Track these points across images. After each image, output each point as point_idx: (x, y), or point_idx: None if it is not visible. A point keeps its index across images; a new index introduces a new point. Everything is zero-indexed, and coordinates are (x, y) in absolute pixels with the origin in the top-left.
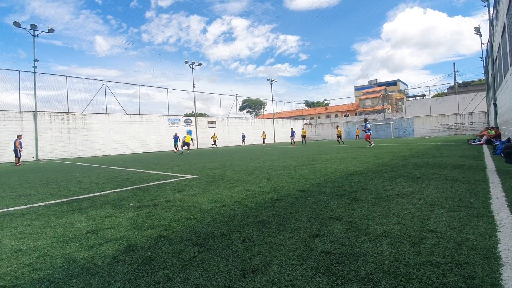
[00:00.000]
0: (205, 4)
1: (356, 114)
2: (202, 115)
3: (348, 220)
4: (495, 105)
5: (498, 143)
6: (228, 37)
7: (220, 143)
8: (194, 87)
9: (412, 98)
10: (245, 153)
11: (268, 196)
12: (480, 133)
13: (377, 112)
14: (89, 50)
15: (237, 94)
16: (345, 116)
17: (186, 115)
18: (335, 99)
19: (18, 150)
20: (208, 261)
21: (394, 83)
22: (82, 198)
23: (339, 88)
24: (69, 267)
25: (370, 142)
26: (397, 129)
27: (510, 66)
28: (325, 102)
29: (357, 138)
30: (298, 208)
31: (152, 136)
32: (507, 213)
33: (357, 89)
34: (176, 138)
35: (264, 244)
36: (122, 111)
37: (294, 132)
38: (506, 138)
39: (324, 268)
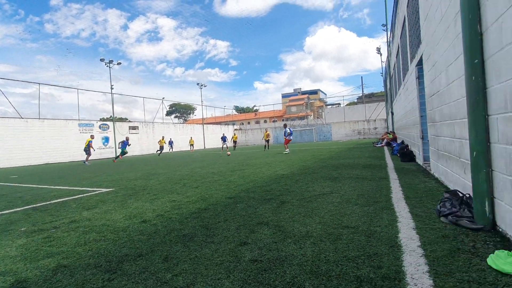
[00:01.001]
0: None
1: (283, 120)
2: (122, 119)
3: (275, 224)
4: (392, 113)
5: (395, 145)
6: (154, 36)
7: (144, 150)
8: (112, 88)
9: (330, 106)
10: (172, 160)
11: (195, 206)
12: (382, 137)
13: (301, 118)
14: None
15: (163, 98)
16: (273, 121)
17: (102, 119)
18: (264, 105)
19: None
20: None
21: (315, 92)
22: None
23: (268, 94)
24: None
25: (286, 148)
26: (318, 133)
27: (403, 81)
28: (255, 108)
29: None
30: (226, 216)
31: (56, 145)
32: (404, 205)
33: (284, 96)
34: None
35: (189, 260)
36: (16, 115)
37: (225, 137)
38: (400, 141)
39: (251, 278)
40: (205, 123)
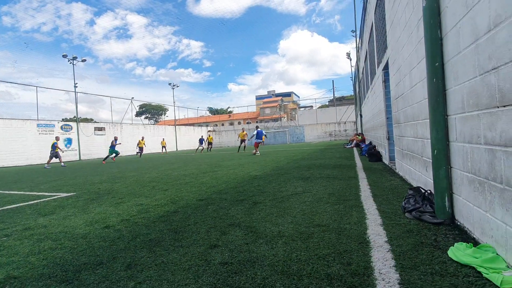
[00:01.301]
0: None
1: (257, 122)
2: (87, 120)
3: (247, 225)
4: (361, 116)
5: (364, 146)
6: (123, 33)
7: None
8: (75, 86)
9: (303, 108)
10: (141, 163)
11: (164, 209)
12: (351, 138)
13: (275, 120)
14: None
15: (132, 98)
16: (247, 123)
17: (65, 120)
18: (238, 107)
19: None
20: None
21: (288, 94)
22: None
23: (242, 96)
24: None
25: (256, 150)
26: (292, 135)
27: (370, 84)
28: (229, 109)
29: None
30: (197, 219)
31: (12, 146)
32: (372, 203)
33: (258, 98)
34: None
35: (154, 266)
36: None
37: (203, 139)
38: (368, 142)
39: (221, 281)
40: (177, 125)
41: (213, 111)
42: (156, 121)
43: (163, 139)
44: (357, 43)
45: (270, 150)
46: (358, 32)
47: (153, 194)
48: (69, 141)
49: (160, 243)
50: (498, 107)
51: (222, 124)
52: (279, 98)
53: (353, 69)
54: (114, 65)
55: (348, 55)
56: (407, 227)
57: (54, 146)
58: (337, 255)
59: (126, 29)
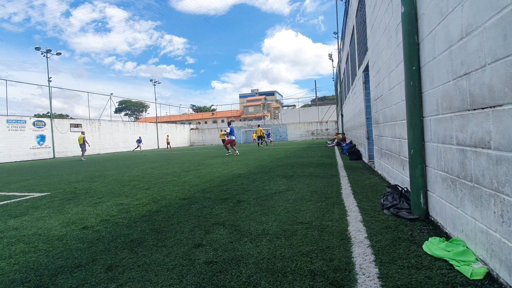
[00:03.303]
0: None
1: (240, 120)
2: (62, 116)
3: (232, 223)
4: (342, 116)
5: (344, 145)
6: (101, 26)
7: (89, 150)
8: (49, 81)
9: (286, 107)
10: (122, 161)
11: (146, 208)
12: (333, 137)
13: (258, 118)
14: None
15: (111, 94)
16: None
17: (37, 116)
18: (221, 105)
19: None
20: None
21: (272, 93)
22: None
23: (226, 94)
24: None
25: (228, 149)
26: (275, 134)
27: (351, 85)
28: (212, 107)
29: (254, 142)
30: (180, 218)
31: None
32: (352, 200)
33: (241, 96)
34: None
35: (136, 267)
36: None
37: (140, 140)
38: (349, 141)
39: (206, 280)
40: (159, 122)
41: (196, 109)
42: (137, 118)
43: (168, 136)
44: (339, 45)
45: (253, 148)
46: (340, 34)
47: (134, 193)
48: (42, 138)
49: (142, 244)
50: (469, 110)
51: (205, 122)
52: (263, 97)
53: (335, 70)
54: (92, 59)
55: (330, 56)
56: (386, 223)
57: (84, 141)
58: (320, 251)
59: (105, 22)
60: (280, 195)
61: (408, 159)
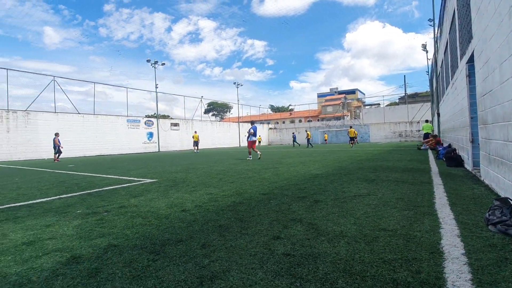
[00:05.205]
0: (170, 3)
1: (318, 120)
2: (165, 117)
3: (309, 221)
4: (438, 115)
5: (440, 148)
6: (195, 37)
7: (184, 146)
8: (156, 87)
9: (369, 106)
10: (209, 157)
11: (231, 199)
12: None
13: (337, 118)
14: (36, 42)
15: (202, 97)
16: (308, 121)
17: (147, 116)
18: (299, 105)
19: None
20: (163, 269)
21: (353, 91)
22: (19, 205)
23: (303, 94)
24: None
25: (250, 154)
26: None
27: (451, 79)
28: (290, 107)
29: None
30: (260, 211)
31: (108, 138)
32: (448, 211)
33: (320, 95)
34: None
35: (224, 249)
36: (74, 110)
37: (295, 135)
38: (447, 145)
39: (284, 270)
40: (241, 122)
41: (275, 109)
42: (222, 118)
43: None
44: (436, 33)
45: (332, 149)
46: (436, 21)
47: (221, 185)
48: (150, 134)
49: (228, 229)
50: None
51: (283, 122)
52: (342, 95)
53: (430, 62)
54: (187, 66)
55: (424, 46)
56: (490, 241)
57: (198, 138)
58: (404, 261)
59: (198, 33)
60: (360, 199)
61: None
